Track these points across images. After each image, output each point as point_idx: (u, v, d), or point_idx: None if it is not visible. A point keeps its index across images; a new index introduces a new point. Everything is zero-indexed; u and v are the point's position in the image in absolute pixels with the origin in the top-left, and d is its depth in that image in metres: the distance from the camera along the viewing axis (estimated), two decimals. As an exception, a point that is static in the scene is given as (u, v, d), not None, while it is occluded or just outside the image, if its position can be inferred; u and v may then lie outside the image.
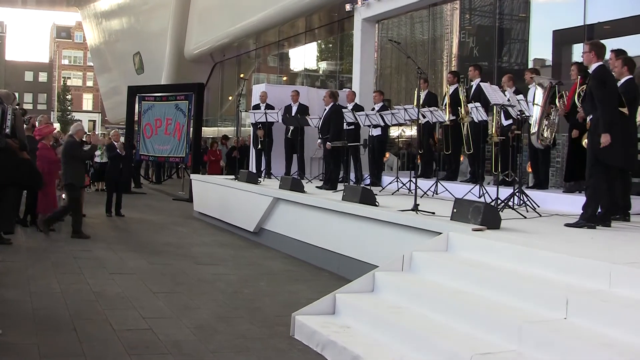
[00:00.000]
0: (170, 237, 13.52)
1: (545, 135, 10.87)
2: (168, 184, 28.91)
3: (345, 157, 14.07)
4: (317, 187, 13.43)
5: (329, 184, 13.36)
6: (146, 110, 22.87)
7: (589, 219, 8.23)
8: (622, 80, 8.98)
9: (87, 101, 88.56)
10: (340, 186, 12.79)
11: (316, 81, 29.38)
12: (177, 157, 22.47)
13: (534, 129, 10.89)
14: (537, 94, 10.65)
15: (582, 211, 8.37)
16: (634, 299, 5.24)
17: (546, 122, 10.89)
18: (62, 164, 12.76)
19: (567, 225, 8.32)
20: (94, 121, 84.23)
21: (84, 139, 13.62)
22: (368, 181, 14.31)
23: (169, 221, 16.13)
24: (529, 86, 11.74)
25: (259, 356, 6.24)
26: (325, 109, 14.20)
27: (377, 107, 14.79)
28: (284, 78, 32.08)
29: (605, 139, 8.11)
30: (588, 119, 8.86)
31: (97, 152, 22.25)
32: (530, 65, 15.30)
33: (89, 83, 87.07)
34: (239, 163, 21.61)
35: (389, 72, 21.61)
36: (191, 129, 21.63)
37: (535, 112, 10.84)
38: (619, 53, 9.57)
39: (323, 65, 30.11)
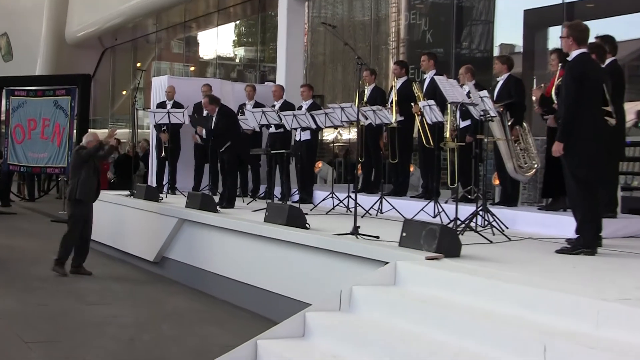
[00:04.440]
0: (49, 270, 13.24)
1: (524, 164, 11.01)
2: (45, 201, 28.42)
3: (269, 167, 14.01)
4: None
5: (225, 201, 13.47)
6: (16, 108, 22.46)
7: (587, 244, 8.25)
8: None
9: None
10: (262, 203, 12.74)
11: (232, 72, 29.33)
12: (56, 167, 22.16)
13: (508, 164, 11.01)
14: (493, 128, 10.80)
15: (577, 235, 8.43)
16: (626, 344, 5.28)
17: (519, 148, 11.01)
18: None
19: (558, 251, 8.37)
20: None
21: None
22: (296, 197, 14.25)
23: (47, 249, 15.79)
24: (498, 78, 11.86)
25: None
26: (212, 117, 14.13)
27: (305, 105, 14.79)
28: (192, 68, 31.92)
29: (556, 148, 8.25)
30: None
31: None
32: (496, 52, 15.47)
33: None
34: (126, 173, 21.31)
35: (321, 61, 21.67)
36: (74, 131, 21.32)
37: (501, 148, 10.99)
38: (606, 40, 9.76)
39: (240, 52, 30.07)
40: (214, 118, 13.84)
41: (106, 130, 35.87)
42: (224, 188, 14.04)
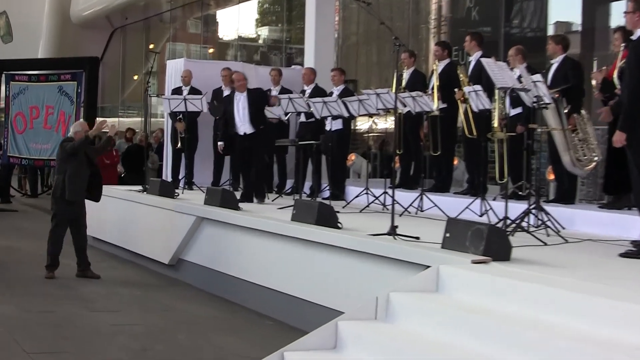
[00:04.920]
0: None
1: (583, 157, 10.89)
2: (48, 198, 28.55)
3: (296, 160, 13.98)
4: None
5: (255, 193, 13.70)
6: (17, 94, 22.54)
7: None
8: None
9: None
10: (289, 200, 12.72)
11: (255, 54, 29.35)
12: (61, 159, 22.18)
13: (564, 157, 10.91)
14: (548, 116, 10.68)
15: None
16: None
17: (577, 139, 10.91)
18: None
19: (622, 255, 8.29)
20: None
21: None
22: (327, 194, 14.23)
23: (50, 250, 15.92)
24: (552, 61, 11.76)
25: None
26: (238, 98, 14.05)
27: (336, 91, 14.76)
28: (211, 50, 31.98)
29: (618, 138, 8.16)
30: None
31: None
32: (551, 31, 15.34)
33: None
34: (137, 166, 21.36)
35: (354, 42, 21.63)
36: (81, 120, 21.36)
37: (556, 139, 10.89)
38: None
39: (264, 32, 30.09)
40: (244, 97, 13.80)
41: (116, 120, 36.22)
42: (246, 180, 14.03)
